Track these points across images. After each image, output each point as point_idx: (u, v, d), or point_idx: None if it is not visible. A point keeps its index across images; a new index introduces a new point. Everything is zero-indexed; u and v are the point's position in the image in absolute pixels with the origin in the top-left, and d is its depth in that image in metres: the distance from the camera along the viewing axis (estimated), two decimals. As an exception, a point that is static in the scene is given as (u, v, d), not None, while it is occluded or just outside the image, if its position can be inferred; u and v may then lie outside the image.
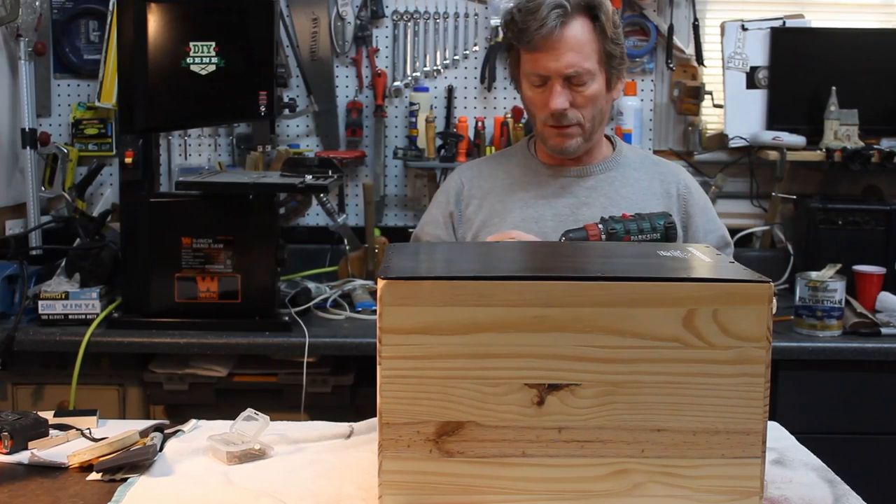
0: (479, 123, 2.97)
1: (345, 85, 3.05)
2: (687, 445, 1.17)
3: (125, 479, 1.35)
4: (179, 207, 2.46)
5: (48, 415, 1.56)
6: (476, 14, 3.01)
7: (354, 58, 3.03)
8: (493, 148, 2.94)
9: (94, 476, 1.36)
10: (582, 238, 1.66)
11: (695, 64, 3.05)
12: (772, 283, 1.16)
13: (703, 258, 1.31)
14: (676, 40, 3.00)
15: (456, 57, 3.03)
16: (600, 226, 1.66)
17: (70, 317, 2.45)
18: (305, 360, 2.33)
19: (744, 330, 1.15)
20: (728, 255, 1.66)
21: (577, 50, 1.75)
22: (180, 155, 3.06)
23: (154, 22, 2.37)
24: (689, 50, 3.04)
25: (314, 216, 3.11)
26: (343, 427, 1.58)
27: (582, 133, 1.83)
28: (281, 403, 2.35)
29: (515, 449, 1.17)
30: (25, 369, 2.44)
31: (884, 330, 2.46)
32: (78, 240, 2.66)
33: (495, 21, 2.95)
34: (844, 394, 2.44)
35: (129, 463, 1.38)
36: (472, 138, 2.97)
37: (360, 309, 2.60)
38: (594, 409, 1.16)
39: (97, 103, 2.97)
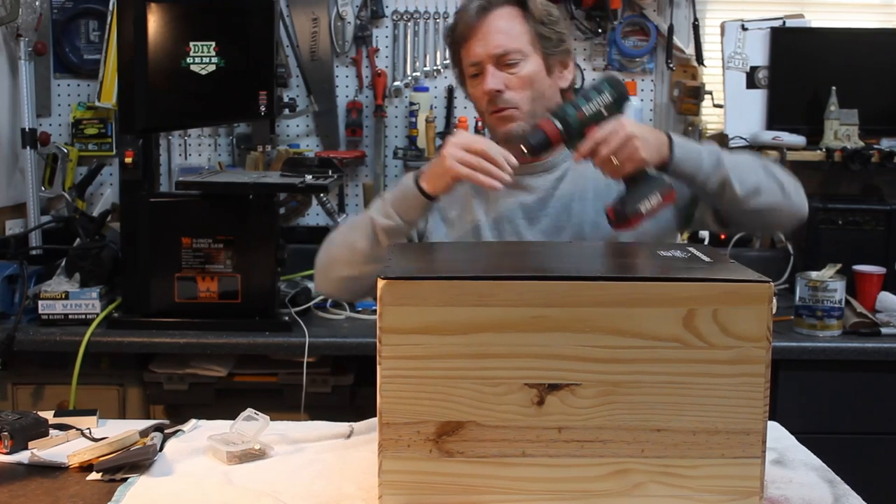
0: (479, 123, 2.97)
1: (345, 85, 3.05)
2: (687, 445, 1.17)
3: (125, 479, 1.35)
4: (179, 207, 2.46)
5: (48, 415, 1.56)
6: (476, 14, 3.01)
7: (354, 58, 3.03)
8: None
9: (94, 476, 1.36)
10: (542, 140, 1.59)
11: (695, 64, 3.05)
12: (772, 283, 1.16)
13: (703, 258, 1.31)
14: (676, 40, 3.00)
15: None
16: (552, 119, 1.59)
17: (70, 317, 2.45)
18: (305, 360, 2.33)
19: (744, 330, 1.15)
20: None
21: (502, 32, 1.74)
22: (180, 155, 3.06)
23: (154, 22, 2.37)
24: (689, 50, 3.04)
25: (314, 216, 3.11)
26: (343, 427, 1.58)
27: (522, 117, 1.76)
28: (281, 403, 2.35)
29: (515, 449, 1.17)
30: (25, 369, 2.44)
31: (884, 330, 2.46)
32: (78, 240, 2.66)
33: (495, 21, 2.95)
34: (844, 394, 2.44)
35: (129, 463, 1.38)
36: (472, 138, 2.97)
37: (360, 309, 2.60)
38: (594, 409, 1.16)
39: (97, 103, 2.97)
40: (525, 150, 1.60)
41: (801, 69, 2.98)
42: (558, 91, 1.81)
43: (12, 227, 2.87)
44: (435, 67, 3.04)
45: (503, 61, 1.74)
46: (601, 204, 1.70)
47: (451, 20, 1.84)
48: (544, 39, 1.77)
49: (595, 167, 1.62)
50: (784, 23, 3.03)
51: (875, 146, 2.84)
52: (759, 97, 3.03)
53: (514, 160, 1.60)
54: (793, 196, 1.71)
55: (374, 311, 1.18)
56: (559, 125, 1.59)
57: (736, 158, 1.68)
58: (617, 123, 1.57)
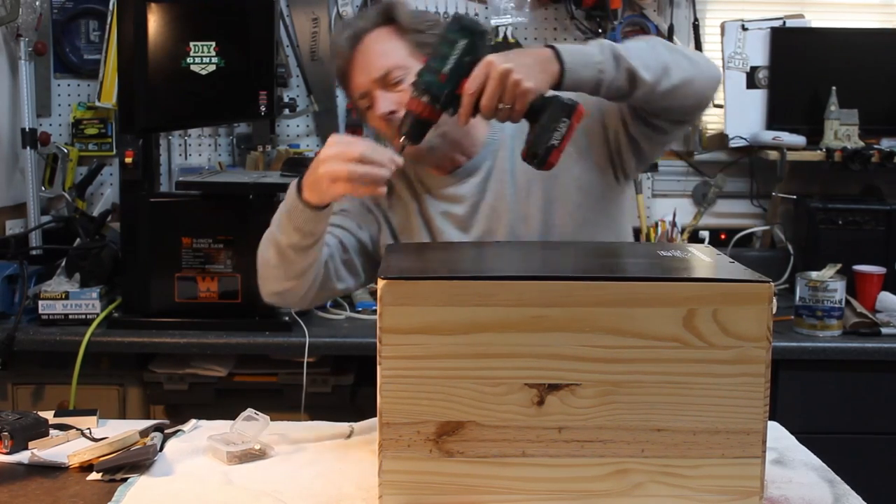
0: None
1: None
2: (687, 445, 1.17)
3: (125, 479, 1.35)
4: (179, 207, 2.46)
5: (48, 415, 1.56)
6: (476, 14, 3.01)
7: (354, 58, 3.02)
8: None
9: (94, 476, 1.36)
10: (414, 122, 1.43)
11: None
12: (772, 283, 1.16)
13: (703, 258, 1.31)
14: (676, 40, 3.00)
15: None
16: (415, 95, 1.43)
17: (70, 317, 2.45)
18: (305, 360, 2.33)
19: (744, 330, 1.15)
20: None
21: (378, 54, 1.63)
22: (180, 155, 3.06)
23: (154, 22, 2.37)
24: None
25: (314, 216, 3.10)
26: (343, 427, 1.58)
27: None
28: (281, 403, 2.35)
29: (515, 449, 1.17)
30: (25, 369, 2.44)
31: (884, 330, 2.46)
32: (78, 240, 2.66)
33: (495, 21, 2.95)
34: (844, 394, 2.44)
35: (129, 463, 1.38)
36: (472, 138, 2.97)
37: (360, 309, 2.60)
38: (594, 409, 1.16)
39: (97, 103, 2.97)
40: (405, 141, 1.44)
41: (801, 69, 2.97)
42: None
43: (12, 227, 2.87)
44: (435, 67, 3.04)
45: (388, 81, 1.62)
46: (526, 194, 1.64)
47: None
48: (424, 47, 1.63)
49: (487, 121, 1.48)
50: (784, 23, 3.03)
51: (875, 146, 2.84)
52: (759, 97, 3.02)
53: (398, 159, 1.42)
54: (701, 63, 1.57)
55: (374, 311, 1.18)
56: (425, 98, 1.41)
57: (629, 46, 1.52)
58: (484, 65, 1.38)
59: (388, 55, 1.63)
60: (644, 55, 1.49)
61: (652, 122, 1.60)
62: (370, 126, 1.73)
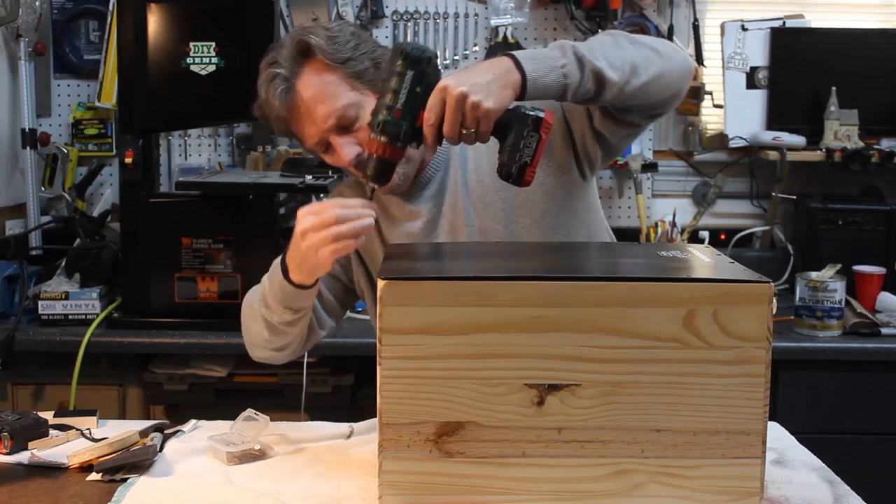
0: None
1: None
2: (687, 446, 1.17)
3: (125, 480, 1.35)
4: (179, 207, 2.46)
5: (48, 415, 1.56)
6: (476, 14, 3.02)
7: (354, 58, 3.02)
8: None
9: (94, 476, 1.36)
10: (377, 164, 1.37)
11: (695, 64, 3.04)
12: (772, 283, 1.16)
13: (703, 258, 1.31)
14: (676, 40, 3.00)
15: (456, 57, 3.03)
16: (374, 135, 1.36)
17: (70, 317, 2.45)
18: (305, 360, 2.32)
19: (744, 330, 1.15)
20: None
21: (319, 100, 1.51)
22: (180, 155, 3.06)
23: (154, 22, 2.37)
24: (689, 50, 3.03)
25: (314, 216, 3.10)
26: (343, 427, 1.58)
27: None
28: (281, 403, 2.35)
29: (515, 449, 1.17)
30: (25, 369, 2.44)
31: (884, 330, 2.46)
32: (78, 240, 2.66)
33: (495, 21, 2.95)
34: (844, 394, 2.44)
35: (129, 463, 1.38)
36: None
37: (360, 309, 2.60)
38: (594, 409, 1.16)
39: (97, 103, 2.96)
40: (373, 185, 1.39)
41: (801, 69, 2.97)
42: None
43: (12, 227, 2.87)
44: (435, 67, 3.04)
45: (342, 125, 1.52)
46: (483, 205, 1.58)
47: (261, 108, 1.59)
48: (361, 74, 1.53)
49: (454, 146, 1.40)
50: (784, 23, 3.02)
51: (875, 146, 2.84)
52: (759, 97, 3.02)
53: (369, 211, 1.37)
54: (670, 54, 1.48)
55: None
56: (384, 138, 1.35)
57: (592, 45, 1.42)
58: (439, 92, 1.31)
59: (331, 98, 1.51)
60: (609, 53, 1.40)
61: (622, 118, 1.52)
62: (331, 164, 1.64)
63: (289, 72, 1.52)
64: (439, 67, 1.40)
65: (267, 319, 1.55)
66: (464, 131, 1.32)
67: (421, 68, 1.34)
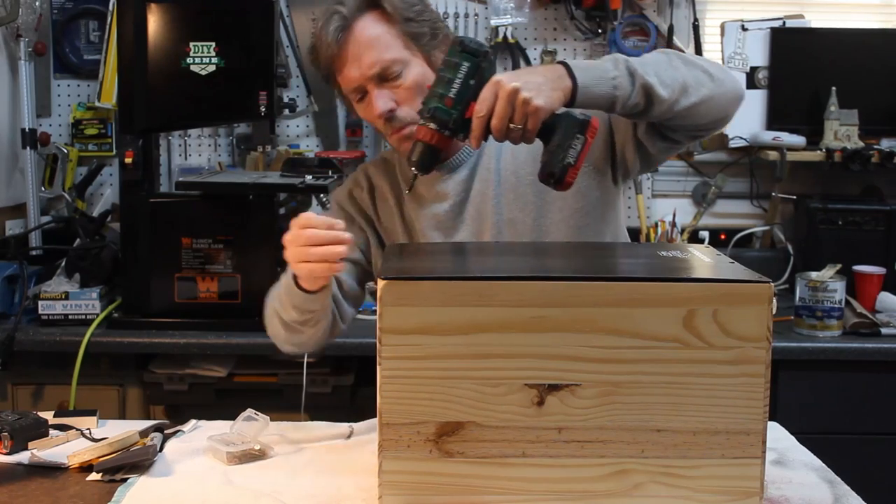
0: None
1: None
2: (687, 446, 1.17)
3: (125, 480, 1.35)
4: (179, 207, 2.46)
5: (48, 415, 1.56)
6: (476, 14, 3.01)
7: (354, 58, 3.02)
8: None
9: (94, 476, 1.36)
10: (424, 151, 1.39)
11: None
12: (772, 283, 1.16)
13: (703, 258, 1.31)
14: (676, 40, 3.00)
15: None
16: (423, 122, 1.39)
17: (70, 317, 2.45)
18: (305, 360, 2.32)
19: (744, 330, 1.15)
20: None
21: (372, 46, 1.54)
22: (180, 155, 3.06)
23: (154, 22, 2.37)
24: (689, 50, 3.03)
25: (314, 216, 3.10)
26: (343, 427, 1.58)
27: None
28: (281, 403, 2.35)
29: (515, 449, 1.17)
30: (25, 369, 2.43)
31: (884, 330, 2.46)
32: (78, 240, 2.66)
33: (495, 21, 2.95)
34: (844, 394, 2.44)
35: (129, 463, 1.38)
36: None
37: (361, 310, 2.60)
38: (594, 409, 1.16)
39: (97, 103, 2.97)
40: (417, 172, 1.41)
41: (801, 69, 2.97)
42: None
43: (12, 227, 2.87)
44: (435, 67, 3.04)
45: (384, 77, 1.55)
46: (514, 196, 1.59)
47: (313, 48, 1.63)
48: (418, 37, 1.57)
49: (500, 142, 1.40)
50: (784, 23, 3.03)
51: (875, 146, 2.84)
52: (759, 97, 3.03)
53: (339, 223, 1.40)
54: (723, 79, 1.51)
55: (374, 312, 1.17)
56: (433, 125, 1.38)
57: (645, 61, 1.45)
58: (492, 85, 1.34)
59: (383, 48, 1.55)
60: (661, 70, 1.43)
61: (666, 133, 1.54)
62: (356, 115, 1.68)
63: (349, 13, 1.57)
64: (495, 65, 1.41)
65: (281, 318, 1.59)
66: (511, 126, 1.34)
67: (476, 62, 1.38)
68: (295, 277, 1.50)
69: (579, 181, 1.56)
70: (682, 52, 2.91)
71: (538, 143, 1.40)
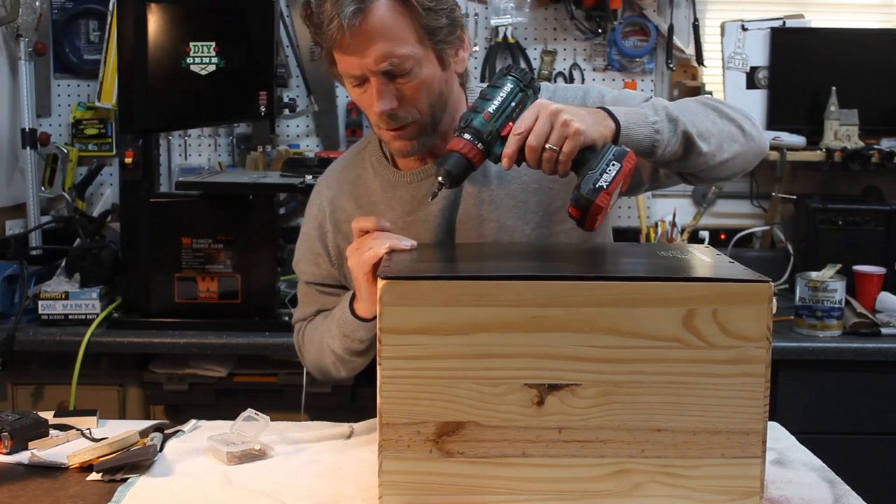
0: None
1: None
2: (687, 445, 1.17)
3: (125, 479, 1.35)
4: (179, 207, 2.46)
5: (48, 415, 1.56)
6: (476, 14, 3.01)
7: (354, 58, 3.02)
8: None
9: (94, 476, 1.36)
10: (458, 162, 1.34)
11: (695, 64, 3.05)
12: (772, 283, 1.16)
13: (703, 258, 1.31)
14: (676, 40, 3.00)
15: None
16: (460, 134, 1.35)
17: (70, 317, 2.45)
18: (305, 360, 2.33)
19: (744, 330, 1.15)
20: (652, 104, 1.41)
21: (386, 37, 1.41)
22: (180, 155, 3.06)
23: (154, 22, 2.37)
24: (689, 50, 3.04)
25: (314, 216, 3.10)
26: (343, 427, 1.58)
27: (420, 130, 1.49)
28: (281, 403, 2.35)
29: (515, 449, 1.17)
30: (25, 369, 2.44)
31: (884, 330, 2.46)
32: (78, 240, 2.66)
33: (495, 21, 2.95)
34: (844, 394, 2.44)
35: (129, 463, 1.38)
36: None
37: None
38: (594, 409, 1.16)
39: (97, 103, 2.96)
40: (445, 184, 1.36)
41: (801, 69, 2.97)
42: (456, 79, 1.56)
43: (12, 227, 2.87)
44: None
45: (393, 74, 1.44)
46: (514, 203, 1.54)
47: (314, 14, 1.46)
48: (435, 32, 1.45)
49: (534, 168, 1.33)
50: (784, 23, 3.03)
51: (875, 146, 2.84)
52: (759, 97, 3.02)
53: (385, 223, 1.42)
54: (753, 135, 1.49)
55: (374, 312, 1.17)
56: (467, 135, 1.34)
57: (682, 108, 1.42)
58: (535, 106, 1.31)
59: (396, 41, 1.42)
60: (699, 122, 1.41)
61: (686, 177, 1.53)
62: (351, 96, 1.56)
63: None
64: (540, 96, 1.40)
65: (335, 352, 1.58)
66: (546, 146, 1.29)
67: (521, 85, 1.38)
68: (352, 307, 1.49)
69: None
70: (681, 50, 2.90)
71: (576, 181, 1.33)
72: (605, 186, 1.28)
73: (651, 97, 1.48)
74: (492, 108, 1.35)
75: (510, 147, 1.31)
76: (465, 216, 1.57)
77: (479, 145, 1.34)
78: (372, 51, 1.42)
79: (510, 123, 1.34)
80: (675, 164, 1.44)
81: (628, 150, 1.31)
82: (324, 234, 1.67)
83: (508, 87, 1.37)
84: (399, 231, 1.50)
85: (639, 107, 1.40)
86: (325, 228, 1.66)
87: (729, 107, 1.51)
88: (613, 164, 1.29)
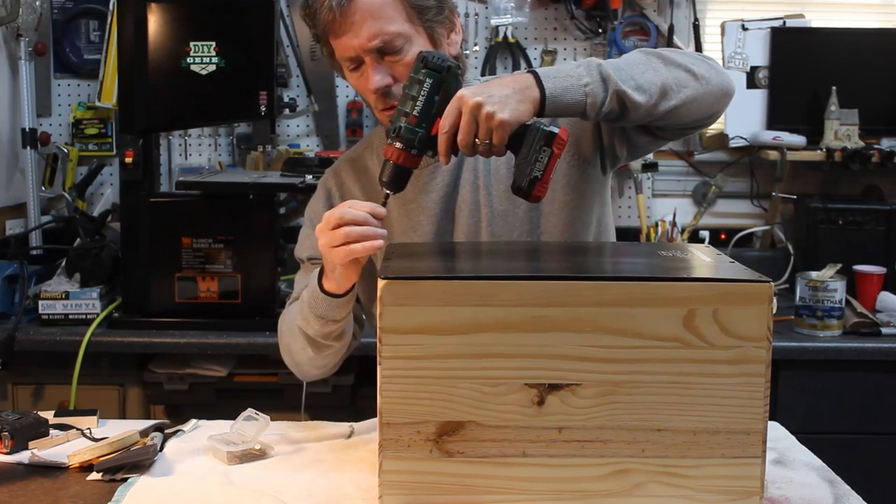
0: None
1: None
2: (687, 445, 1.17)
3: (125, 479, 1.35)
4: (179, 207, 2.46)
5: (48, 415, 1.56)
6: (476, 14, 3.01)
7: (354, 58, 3.02)
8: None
9: (94, 476, 1.36)
10: (393, 170, 1.37)
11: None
12: (772, 283, 1.16)
13: (703, 258, 1.31)
14: (676, 40, 3.00)
15: (462, 52, 3.02)
16: (390, 142, 1.37)
17: (70, 317, 2.45)
18: (305, 359, 2.33)
19: (744, 329, 1.14)
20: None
21: (375, 16, 1.47)
22: (180, 155, 3.06)
23: (154, 22, 2.37)
24: (690, 50, 3.03)
25: (314, 216, 3.10)
26: (343, 427, 1.58)
27: None
28: (281, 403, 2.35)
29: (515, 449, 1.17)
30: (25, 369, 2.44)
31: (884, 330, 2.46)
32: (78, 240, 2.66)
33: (495, 21, 2.95)
34: (844, 394, 2.44)
35: (130, 463, 1.38)
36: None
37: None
38: (594, 408, 1.16)
39: (97, 103, 2.97)
40: (389, 191, 1.40)
41: (801, 69, 2.98)
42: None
43: (12, 227, 2.87)
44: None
45: (384, 52, 1.48)
46: (505, 188, 1.53)
47: (309, 4, 1.53)
48: (423, 11, 1.50)
49: (471, 157, 1.37)
50: (784, 23, 3.03)
51: (875, 146, 2.84)
52: (759, 97, 3.03)
53: (380, 209, 1.38)
54: (708, 76, 1.45)
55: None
56: (399, 144, 1.36)
57: (621, 63, 1.41)
58: (455, 101, 1.32)
59: (385, 20, 1.47)
60: (638, 74, 1.39)
61: (653, 131, 1.52)
62: (350, 82, 1.60)
63: None
64: (461, 79, 1.40)
65: (306, 334, 1.55)
66: (477, 141, 1.32)
67: (440, 77, 1.36)
68: (321, 284, 1.47)
69: (569, 174, 1.57)
70: (680, 48, 2.90)
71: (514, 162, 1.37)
72: (539, 177, 1.34)
73: (591, 57, 1.47)
74: (416, 110, 1.36)
75: (441, 147, 1.34)
76: (463, 202, 1.60)
77: (413, 151, 1.36)
78: (363, 30, 1.47)
79: (438, 120, 1.35)
80: (617, 121, 1.43)
81: (558, 130, 1.33)
82: (332, 205, 1.65)
83: (428, 83, 1.36)
84: (400, 219, 1.55)
85: (574, 67, 1.38)
86: (333, 202, 1.67)
87: (680, 53, 1.48)
88: (544, 151, 1.33)
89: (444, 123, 1.33)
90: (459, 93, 1.33)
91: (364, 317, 1.71)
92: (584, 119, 1.40)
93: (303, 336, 1.56)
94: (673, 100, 1.41)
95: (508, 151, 1.35)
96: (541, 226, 1.57)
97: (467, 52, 3.01)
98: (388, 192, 1.40)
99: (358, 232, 1.34)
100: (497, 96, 1.31)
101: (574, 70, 1.37)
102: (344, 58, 1.53)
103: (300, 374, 1.68)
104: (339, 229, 1.35)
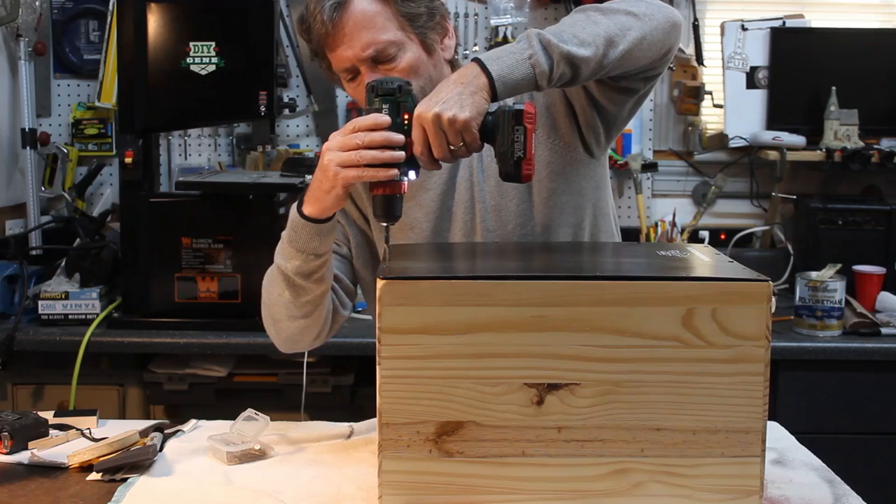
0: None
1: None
2: (687, 445, 1.17)
3: (125, 479, 1.35)
4: (179, 207, 2.46)
5: (48, 415, 1.56)
6: (476, 14, 3.01)
7: (354, 58, 3.02)
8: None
9: (94, 476, 1.36)
10: (388, 202, 1.39)
11: (695, 64, 3.05)
12: (770, 282, 1.16)
13: (702, 257, 1.31)
14: (676, 39, 2.99)
15: (456, 56, 3.02)
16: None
17: (70, 317, 2.45)
18: (305, 360, 2.32)
19: (743, 329, 1.15)
20: None
21: (367, 26, 1.50)
22: (180, 155, 3.06)
23: (154, 22, 2.37)
24: (689, 50, 3.04)
25: (314, 216, 3.10)
26: (343, 427, 1.58)
27: None
28: (281, 403, 2.35)
29: (515, 449, 1.17)
30: (25, 369, 2.44)
31: (884, 330, 2.46)
32: (78, 240, 2.66)
33: (495, 21, 2.95)
34: (844, 394, 2.44)
35: (129, 463, 1.38)
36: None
37: (360, 309, 2.60)
38: (594, 408, 1.16)
39: (97, 103, 2.97)
40: (386, 223, 1.41)
41: (801, 69, 2.98)
42: (445, 65, 1.61)
43: (12, 227, 2.87)
44: (435, 67, 3.04)
45: (379, 60, 1.51)
46: (496, 182, 1.54)
47: (304, 20, 1.56)
48: (414, 18, 1.53)
49: (453, 162, 1.40)
50: (784, 23, 3.03)
51: (875, 146, 2.84)
52: (759, 97, 3.03)
53: (398, 137, 1.36)
54: (650, 14, 1.44)
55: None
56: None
57: (559, 26, 1.41)
58: (416, 120, 1.33)
59: (378, 29, 1.51)
60: (579, 31, 1.38)
61: (618, 84, 1.51)
62: (349, 94, 1.63)
63: None
64: (413, 94, 1.40)
65: (284, 274, 1.51)
66: (452, 148, 1.33)
67: (394, 99, 1.37)
68: (301, 211, 1.46)
69: (551, 161, 1.57)
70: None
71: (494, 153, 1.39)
72: (522, 156, 1.34)
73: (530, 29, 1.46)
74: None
75: (425, 163, 1.35)
76: (460, 200, 1.61)
77: (396, 178, 1.36)
78: (356, 40, 1.50)
79: (409, 139, 1.35)
80: (572, 83, 1.42)
81: (521, 106, 1.34)
82: (350, 194, 1.66)
83: (385, 108, 1.37)
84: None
85: (514, 44, 1.38)
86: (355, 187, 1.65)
87: (617, 2, 1.47)
88: (517, 130, 1.34)
89: (416, 144, 1.34)
90: (416, 112, 1.34)
91: (347, 299, 1.67)
92: (537, 90, 1.39)
93: (282, 277, 1.53)
94: (621, 45, 1.40)
95: (487, 144, 1.36)
96: (533, 217, 1.57)
97: (467, 52, 3.01)
98: (389, 223, 1.41)
99: (373, 157, 1.34)
100: (450, 99, 1.32)
101: (514, 46, 1.38)
102: (341, 69, 1.56)
103: (277, 335, 1.61)
104: (355, 152, 1.35)
